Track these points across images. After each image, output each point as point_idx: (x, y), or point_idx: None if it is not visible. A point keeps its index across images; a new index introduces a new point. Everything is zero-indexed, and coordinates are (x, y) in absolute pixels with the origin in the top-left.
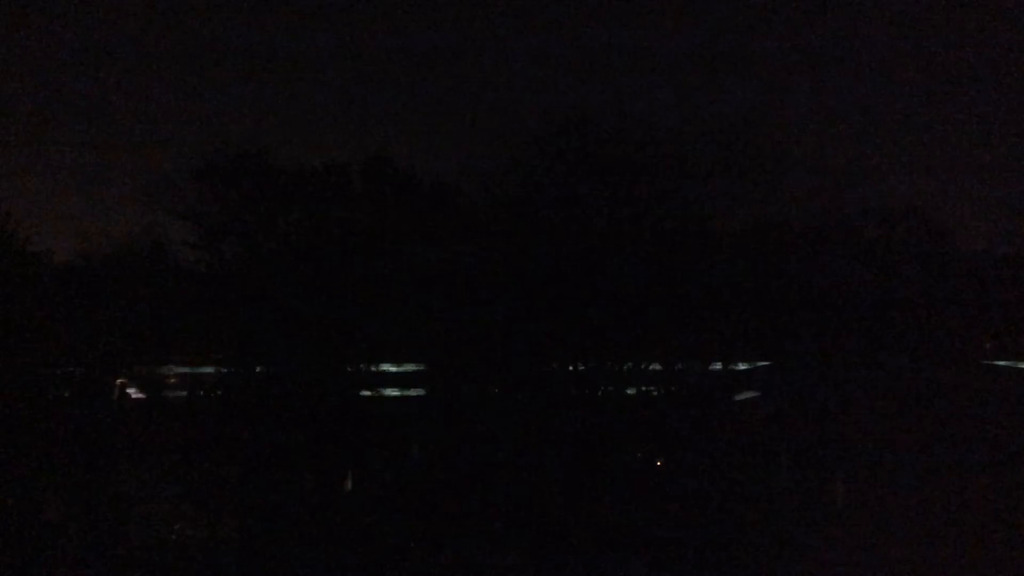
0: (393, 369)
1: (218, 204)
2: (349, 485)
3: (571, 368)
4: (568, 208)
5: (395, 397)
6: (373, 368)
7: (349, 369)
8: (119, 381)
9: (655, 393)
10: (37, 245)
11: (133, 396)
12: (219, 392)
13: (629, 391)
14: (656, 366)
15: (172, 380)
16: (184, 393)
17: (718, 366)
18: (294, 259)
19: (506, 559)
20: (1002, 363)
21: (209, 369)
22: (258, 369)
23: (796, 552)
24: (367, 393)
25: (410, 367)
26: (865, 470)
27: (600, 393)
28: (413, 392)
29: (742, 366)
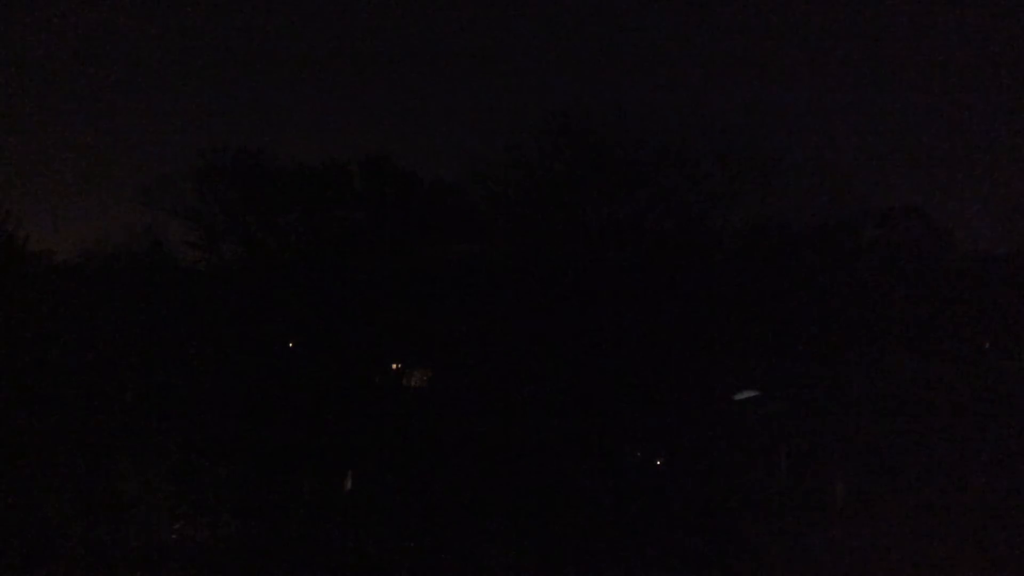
0: (394, 367)
1: (218, 204)
2: (349, 485)
3: (571, 366)
4: (568, 207)
5: (395, 396)
6: (373, 367)
7: (349, 368)
8: (120, 380)
9: (655, 391)
10: (37, 245)
11: (134, 395)
12: (219, 391)
13: (629, 389)
14: (656, 364)
15: (173, 379)
16: (185, 393)
17: (717, 364)
18: (294, 258)
19: (506, 559)
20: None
21: (210, 368)
22: (259, 368)
23: (796, 552)
24: (367, 391)
25: (411, 366)
26: (865, 470)
27: (600, 391)
28: (413, 391)
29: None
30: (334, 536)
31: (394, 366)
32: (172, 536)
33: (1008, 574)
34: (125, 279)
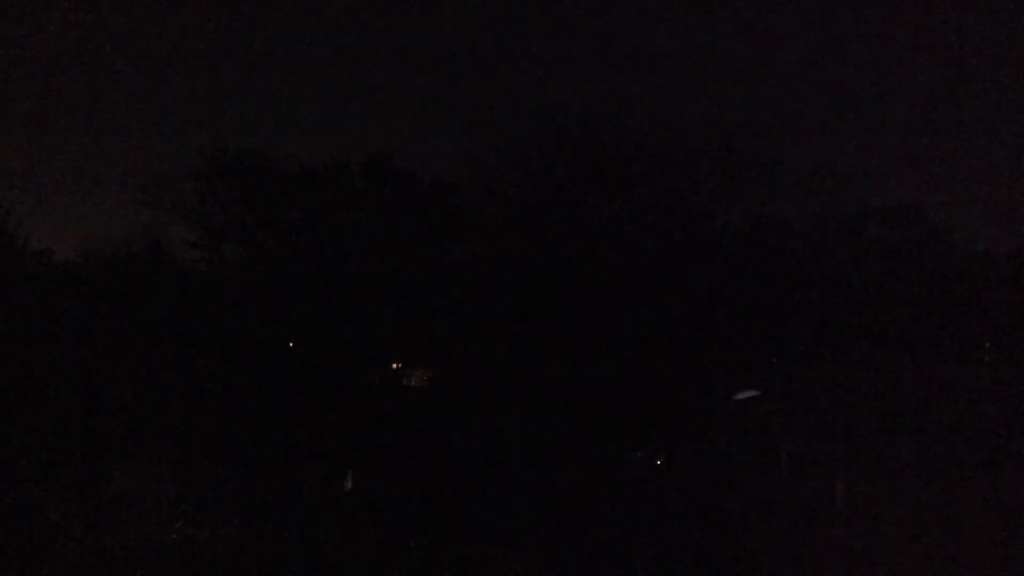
0: (394, 367)
1: (218, 204)
2: (349, 485)
3: (571, 366)
4: (568, 207)
5: (395, 396)
6: (373, 367)
7: (349, 368)
8: (120, 380)
9: (655, 391)
10: (37, 245)
11: (134, 395)
12: (220, 391)
13: (628, 389)
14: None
15: (173, 379)
16: (185, 393)
17: (717, 364)
18: (295, 258)
19: (506, 559)
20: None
21: (210, 368)
22: (259, 368)
23: (796, 552)
24: (367, 391)
25: (411, 366)
26: (865, 470)
27: (600, 391)
28: (413, 391)
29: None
30: (334, 536)
31: (394, 366)
32: (172, 536)
33: (1008, 574)
34: (125, 279)
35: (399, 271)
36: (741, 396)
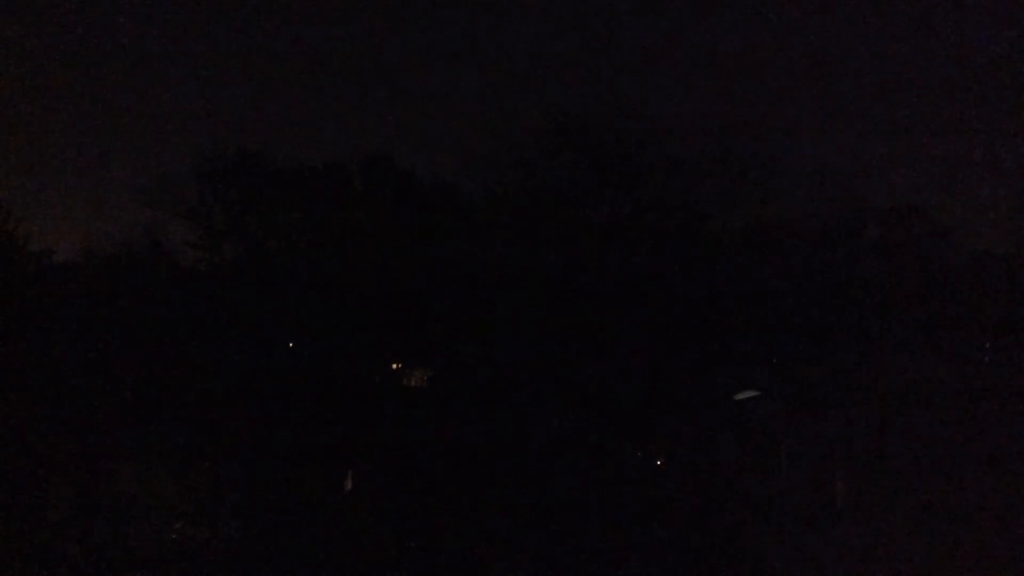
0: (394, 367)
1: (218, 204)
2: (349, 485)
3: (571, 366)
4: (568, 207)
5: (395, 396)
6: (373, 367)
7: (349, 368)
8: (120, 380)
9: (655, 391)
10: (37, 245)
11: (134, 395)
12: (220, 392)
13: (629, 389)
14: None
15: (173, 380)
16: (185, 393)
17: (717, 364)
18: (295, 258)
19: (506, 559)
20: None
21: (210, 369)
22: (259, 368)
23: (796, 552)
24: (367, 391)
25: (411, 366)
26: (865, 470)
27: (600, 391)
28: (413, 391)
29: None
30: (334, 536)
31: (394, 366)
32: (172, 536)
33: (1008, 574)
34: (125, 279)
35: (399, 271)
36: (741, 396)
